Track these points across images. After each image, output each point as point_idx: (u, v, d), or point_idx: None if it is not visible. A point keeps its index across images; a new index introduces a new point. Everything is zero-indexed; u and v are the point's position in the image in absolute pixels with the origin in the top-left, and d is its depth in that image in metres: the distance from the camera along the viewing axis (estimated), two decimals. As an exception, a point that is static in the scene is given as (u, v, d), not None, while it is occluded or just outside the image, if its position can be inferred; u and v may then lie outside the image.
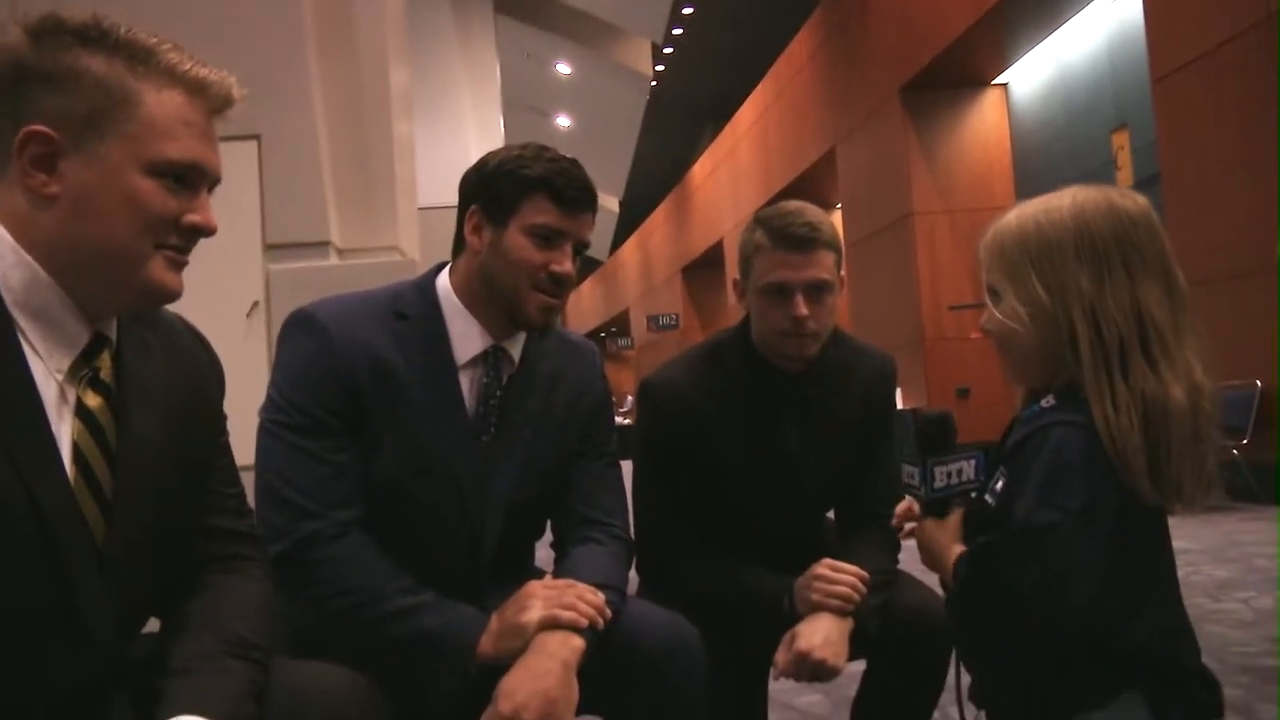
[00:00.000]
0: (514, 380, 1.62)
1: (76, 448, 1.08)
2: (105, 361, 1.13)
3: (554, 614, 1.42)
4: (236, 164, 3.20)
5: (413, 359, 1.55)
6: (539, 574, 1.66)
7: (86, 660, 1.09)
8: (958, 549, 1.42)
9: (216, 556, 1.25)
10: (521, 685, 1.37)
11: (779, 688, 2.01)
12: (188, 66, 1.12)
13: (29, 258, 1.07)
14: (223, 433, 1.30)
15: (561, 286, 1.57)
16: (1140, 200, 1.38)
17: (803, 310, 1.79)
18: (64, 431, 1.08)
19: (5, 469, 1.01)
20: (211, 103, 1.14)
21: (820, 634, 1.71)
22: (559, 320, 1.64)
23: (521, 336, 1.63)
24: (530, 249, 1.54)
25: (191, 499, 1.22)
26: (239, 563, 1.26)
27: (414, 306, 1.59)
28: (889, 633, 1.78)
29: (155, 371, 1.18)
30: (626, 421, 20.35)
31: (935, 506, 1.50)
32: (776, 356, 1.86)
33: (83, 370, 1.10)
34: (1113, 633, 1.29)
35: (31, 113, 1.06)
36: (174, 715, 1.06)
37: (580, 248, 1.59)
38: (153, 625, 1.22)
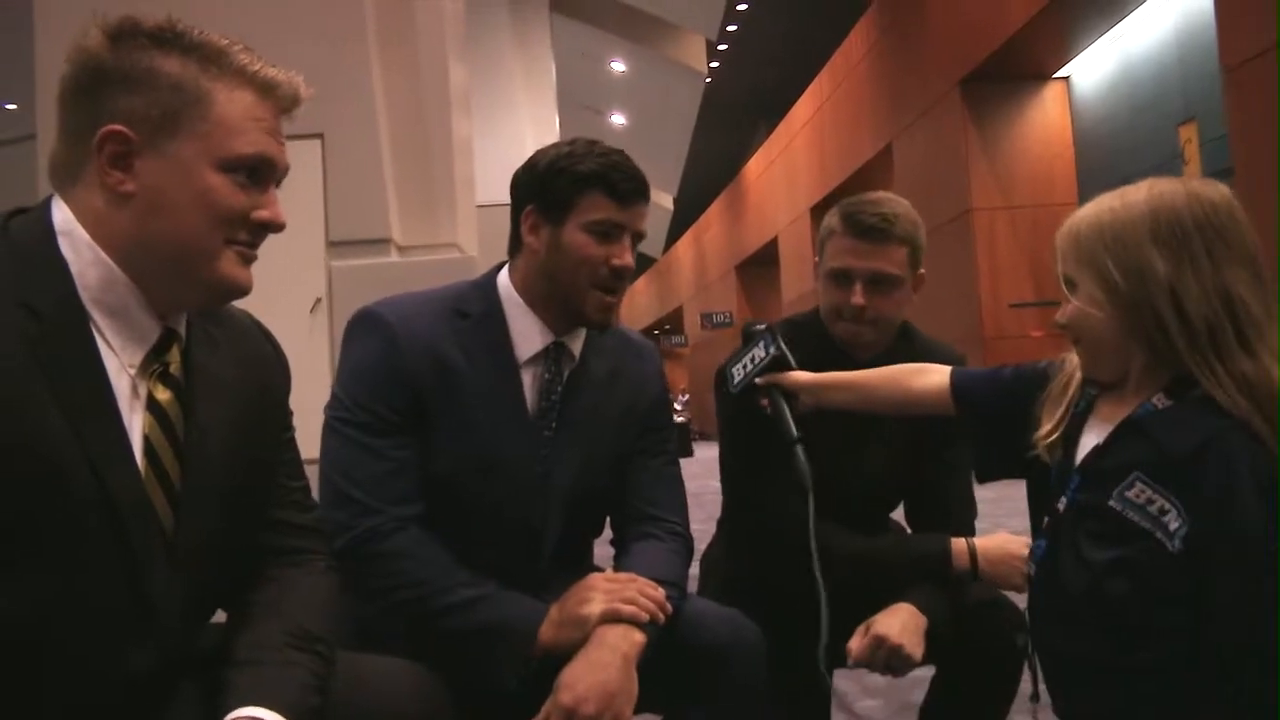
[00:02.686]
0: (574, 376, 1.63)
1: (147, 440, 1.10)
2: (175, 356, 1.15)
3: (615, 608, 1.43)
4: (300, 162, 3.22)
5: (475, 357, 1.56)
6: (598, 571, 1.65)
7: (155, 649, 1.11)
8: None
9: (281, 549, 1.27)
10: (582, 677, 1.37)
11: (837, 692, 1.99)
12: (258, 67, 1.14)
13: (105, 255, 1.09)
14: (288, 428, 1.31)
15: (621, 280, 1.58)
16: (1223, 188, 1.35)
17: (859, 300, 1.81)
18: (135, 424, 1.10)
19: (79, 460, 1.03)
20: (280, 102, 1.17)
21: (898, 623, 1.70)
22: (617, 317, 1.65)
23: (582, 333, 1.64)
24: (590, 245, 1.55)
25: (257, 492, 1.24)
26: (303, 556, 1.28)
27: (475, 305, 1.60)
28: (960, 635, 1.76)
29: (222, 366, 1.20)
30: (682, 419, 20.33)
31: (752, 402, 1.69)
32: (839, 341, 1.87)
33: (154, 365, 1.13)
34: None
35: (109, 113, 1.09)
36: (238, 706, 1.07)
37: (637, 238, 1.60)
38: (219, 617, 1.24)
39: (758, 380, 1.70)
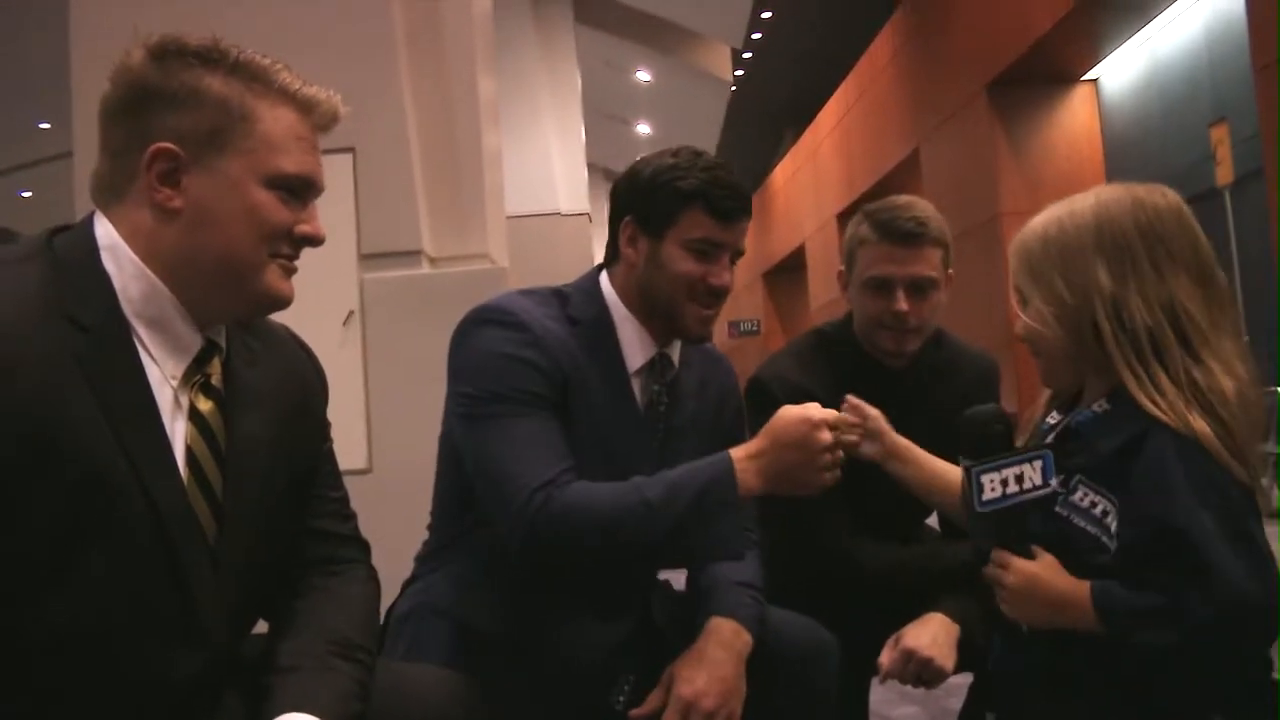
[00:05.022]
0: (674, 386, 1.62)
1: (190, 451, 1.12)
2: (216, 367, 1.17)
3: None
4: (332, 176, 3.26)
5: (592, 362, 1.55)
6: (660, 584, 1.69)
7: (201, 656, 1.12)
8: (1082, 586, 1.27)
9: (322, 559, 1.28)
10: (700, 672, 1.39)
11: (874, 699, 1.98)
12: (298, 86, 1.17)
13: (147, 269, 1.11)
14: (327, 439, 1.33)
15: (719, 297, 1.55)
16: (1170, 195, 1.35)
17: (903, 306, 1.78)
18: (178, 434, 1.12)
19: (125, 470, 1.05)
20: (319, 120, 1.19)
21: (928, 634, 1.68)
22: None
23: (678, 343, 1.63)
24: (689, 262, 1.53)
25: (297, 501, 1.26)
26: (343, 565, 1.29)
27: (584, 311, 1.58)
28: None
29: (262, 377, 1.22)
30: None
31: (994, 528, 1.31)
32: (877, 351, 1.84)
33: (195, 376, 1.15)
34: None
35: (157, 130, 1.11)
36: (282, 712, 1.09)
37: (736, 255, 1.57)
38: (261, 628, 1.26)
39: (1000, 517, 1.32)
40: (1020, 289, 1.39)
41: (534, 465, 1.43)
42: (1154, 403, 1.25)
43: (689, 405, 1.63)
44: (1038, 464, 1.29)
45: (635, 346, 1.58)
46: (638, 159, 1.62)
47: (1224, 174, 8.60)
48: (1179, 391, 1.25)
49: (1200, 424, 1.23)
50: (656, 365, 1.60)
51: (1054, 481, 1.31)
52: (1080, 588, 1.27)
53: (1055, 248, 1.34)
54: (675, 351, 1.63)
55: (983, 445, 1.32)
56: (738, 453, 1.43)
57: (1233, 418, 1.24)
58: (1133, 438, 1.27)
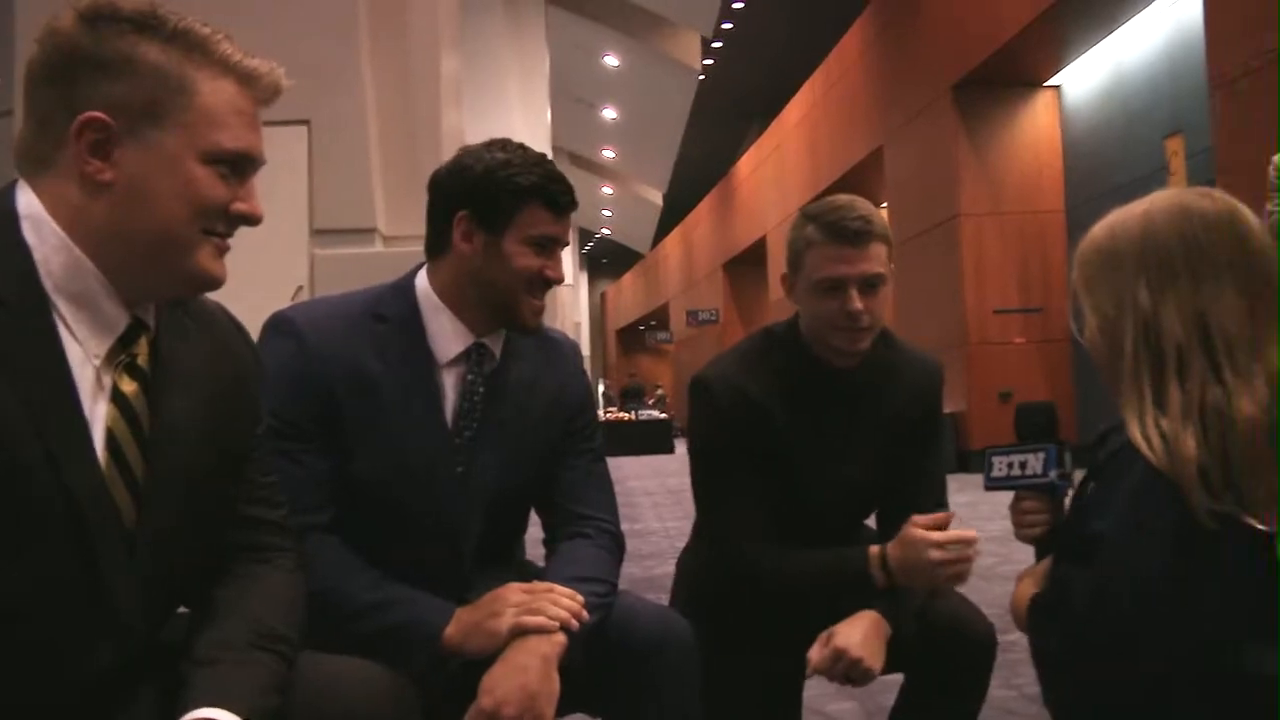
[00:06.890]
0: (495, 377, 1.63)
1: (110, 433, 1.08)
2: (143, 347, 1.13)
3: (522, 622, 1.42)
4: (286, 148, 3.22)
5: (391, 361, 1.57)
6: (530, 566, 1.69)
7: (114, 645, 1.09)
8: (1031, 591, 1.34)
9: (248, 545, 1.24)
10: (502, 680, 1.38)
11: (810, 694, 1.98)
12: (239, 57, 1.12)
13: (71, 242, 1.06)
14: (259, 421, 1.29)
15: (549, 288, 1.61)
16: (1220, 198, 1.30)
17: (857, 305, 1.77)
18: (98, 416, 1.08)
19: (37, 452, 1.01)
20: (261, 93, 1.15)
21: (859, 633, 1.68)
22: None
23: (502, 333, 1.64)
24: (530, 257, 1.57)
25: (225, 487, 1.21)
26: (270, 553, 1.26)
27: (392, 308, 1.61)
28: (928, 644, 1.75)
29: (193, 358, 1.18)
30: (663, 416, 20.29)
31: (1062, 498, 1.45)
32: (827, 351, 1.83)
33: (120, 356, 1.10)
34: (1232, 659, 1.17)
35: (87, 99, 1.06)
36: (197, 706, 1.06)
37: (564, 246, 1.63)
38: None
39: (1021, 491, 1.50)
40: (1077, 298, 1.36)
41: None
42: (1140, 427, 1.21)
43: (512, 397, 1.63)
44: (1040, 455, 1.47)
45: (448, 338, 1.60)
46: (460, 150, 1.64)
47: (1177, 185, 8.74)
48: (1187, 414, 1.20)
49: (1187, 452, 1.18)
50: (473, 356, 1.61)
51: (1054, 474, 1.46)
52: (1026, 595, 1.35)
53: (1103, 260, 1.31)
54: (497, 343, 1.64)
55: (1026, 431, 1.52)
56: (465, 612, 1.47)
57: (1235, 445, 1.18)
58: (1114, 450, 1.26)
